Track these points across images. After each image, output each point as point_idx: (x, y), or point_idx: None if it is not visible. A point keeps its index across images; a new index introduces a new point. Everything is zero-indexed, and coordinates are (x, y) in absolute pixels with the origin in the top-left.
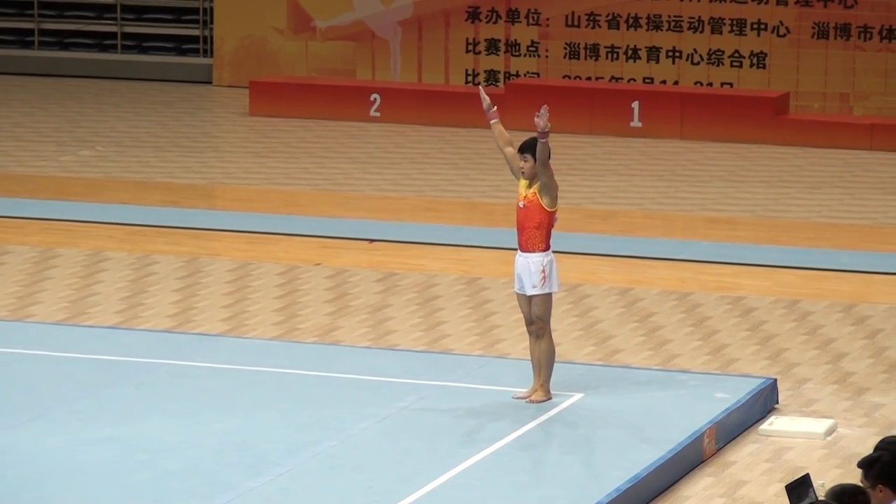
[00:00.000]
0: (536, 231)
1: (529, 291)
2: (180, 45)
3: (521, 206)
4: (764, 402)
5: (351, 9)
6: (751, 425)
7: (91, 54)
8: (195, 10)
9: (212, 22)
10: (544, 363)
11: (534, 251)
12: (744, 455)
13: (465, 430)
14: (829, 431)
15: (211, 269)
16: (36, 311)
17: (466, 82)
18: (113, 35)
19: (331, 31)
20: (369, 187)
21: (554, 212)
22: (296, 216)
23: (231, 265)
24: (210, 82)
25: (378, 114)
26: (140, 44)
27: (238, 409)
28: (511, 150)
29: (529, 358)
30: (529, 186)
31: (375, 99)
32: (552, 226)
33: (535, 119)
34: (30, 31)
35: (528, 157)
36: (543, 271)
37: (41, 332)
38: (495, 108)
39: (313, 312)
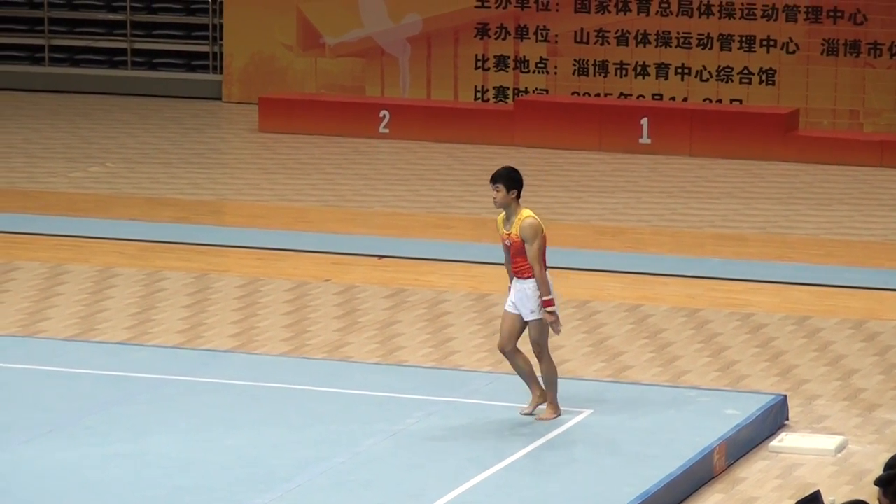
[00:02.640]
0: (528, 263)
1: (528, 317)
2: (190, 62)
3: (507, 244)
4: (774, 419)
5: (360, 25)
6: (761, 442)
7: (101, 70)
8: (205, 27)
9: (221, 38)
10: (548, 384)
11: (529, 277)
12: (754, 472)
13: (475, 447)
14: (840, 448)
15: (220, 285)
16: (46, 326)
17: (475, 98)
18: (123, 51)
19: (340, 48)
20: (378, 203)
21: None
22: (305, 232)
23: (240, 281)
24: (219, 98)
25: (387, 130)
26: (150, 60)
27: (247, 425)
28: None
29: (519, 373)
30: (507, 222)
31: (385, 115)
32: (545, 249)
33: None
34: (40, 48)
35: (500, 186)
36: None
37: (51, 347)
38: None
39: (322, 328)
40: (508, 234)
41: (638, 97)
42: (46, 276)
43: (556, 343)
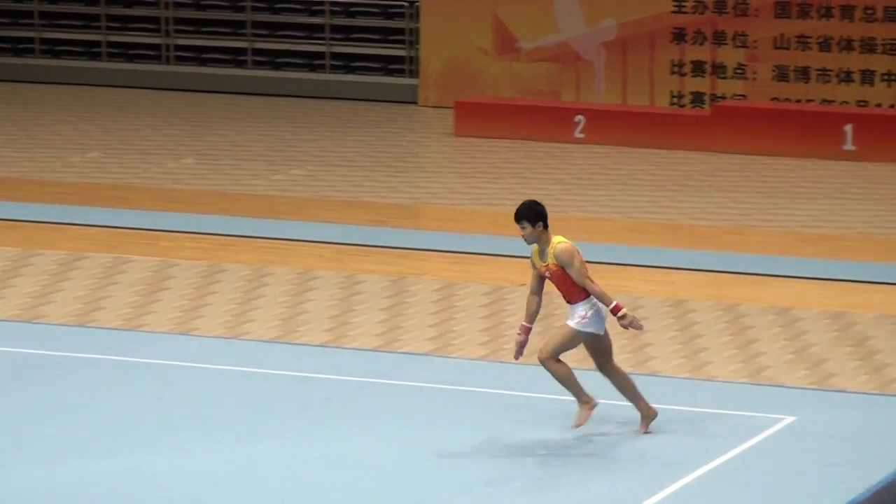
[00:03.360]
0: (573, 287)
1: (568, 322)
2: (387, 66)
3: (547, 275)
4: None
5: (556, 30)
6: None
7: (301, 74)
8: (402, 31)
9: (418, 42)
10: (627, 391)
11: (580, 301)
12: None
13: (673, 453)
14: None
15: (417, 288)
16: (250, 328)
17: (671, 104)
18: (322, 55)
19: (535, 53)
20: (574, 208)
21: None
22: (500, 236)
23: (437, 285)
24: (416, 102)
25: (582, 135)
26: (348, 64)
27: (446, 428)
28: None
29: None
30: (541, 256)
31: (580, 120)
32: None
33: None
34: (243, 51)
35: (525, 223)
36: (584, 316)
37: (254, 349)
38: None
39: None
40: (546, 266)
41: (841, 103)
42: (250, 277)
43: (758, 349)
